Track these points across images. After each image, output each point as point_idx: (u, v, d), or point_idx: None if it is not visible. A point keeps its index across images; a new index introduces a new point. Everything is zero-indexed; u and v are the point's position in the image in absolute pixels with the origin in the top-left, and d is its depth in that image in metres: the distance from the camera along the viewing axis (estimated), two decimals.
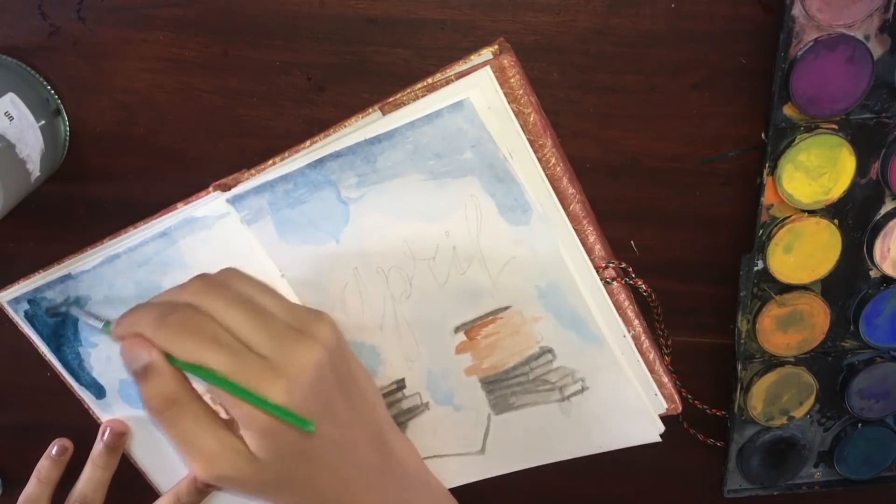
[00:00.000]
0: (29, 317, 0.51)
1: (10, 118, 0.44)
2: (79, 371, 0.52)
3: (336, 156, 0.43)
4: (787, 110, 0.45)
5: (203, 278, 0.39)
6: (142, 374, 0.36)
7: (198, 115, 0.48)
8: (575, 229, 0.45)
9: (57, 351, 0.52)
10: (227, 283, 0.39)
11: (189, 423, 0.36)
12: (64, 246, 0.50)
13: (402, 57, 0.46)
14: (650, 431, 0.50)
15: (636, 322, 0.48)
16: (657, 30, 0.45)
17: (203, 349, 0.35)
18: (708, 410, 0.54)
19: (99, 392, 0.53)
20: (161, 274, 0.48)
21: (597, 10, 0.45)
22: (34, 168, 0.46)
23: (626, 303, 0.48)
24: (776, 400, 0.53)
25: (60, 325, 0.51)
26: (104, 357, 0.51)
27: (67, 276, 0.49)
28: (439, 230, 0.45)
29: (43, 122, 0.46)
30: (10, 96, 0.44)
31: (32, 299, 0.51)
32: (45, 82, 0.48)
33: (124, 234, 0.49)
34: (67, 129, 0.49)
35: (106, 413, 0.54)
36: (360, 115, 0.44)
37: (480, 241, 0.45)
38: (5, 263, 0.54)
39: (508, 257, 0.45)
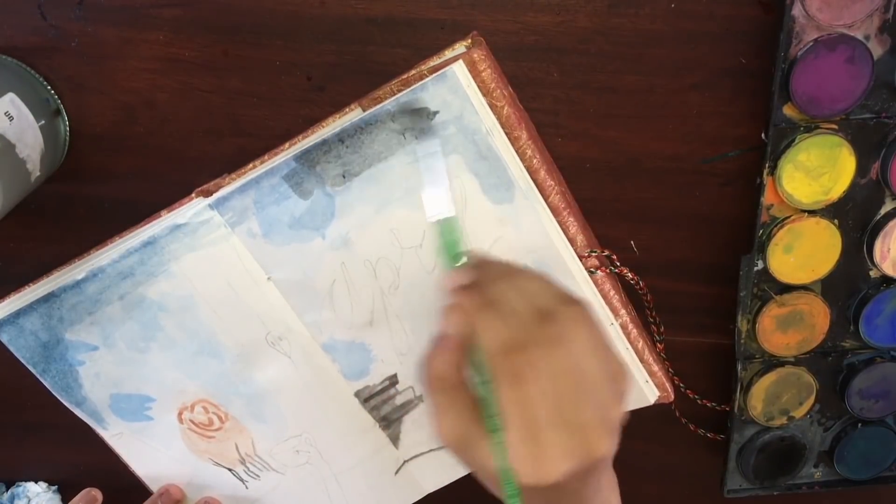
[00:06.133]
0: (12, 342, 0.49)
1: (10, 118, 0.44)
2: (68, 390, 0.51)
3: (322, 143, 0.43)
4: (787, 110, 0.45)
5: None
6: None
7: (198, 115, 0.48)
8: (556, 220, 0.45)
9: (43, 374, 0.50)
10: None
11: None
12: (64, 246, 0.50)
13: (402, 57, 0.46)
14: (643, 395, 0.51)
15: (623, 311, 0.48)
16: (657, 30, 0.45)
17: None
18: (699, 400, 0.54)
19: (91, 410, 0.52)
20: (146, 285, 0.47)
21: (597, 10, 0.45)
22: (34, 168, 0.46)
23: (612, 292, 0.48)
24: (776, 400, 0.53)
25: (45, 347, 0.49)
26: (93, 374, 0.50)
27: (51, 295, 0.47)
28: (425, 216, 0.45)
29: (43, 122, 0.46)
30: (10, 96, 0.44)
31: (14, 323, 0.48)
32: (45, 82, 0.48)
33: (109, 244, 0.48)
34: (67, 129, 0.49)
35: (100, 426, 0.52)
36: (338, 115, 0.45)
37: (466, 223, 0.45)
38: (5, 263, 0.54)
39: (495, 237, 0.45)
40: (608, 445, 0.33)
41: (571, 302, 0.35)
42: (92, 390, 0.51)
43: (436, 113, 0.42)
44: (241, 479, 0.54)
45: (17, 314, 0.48)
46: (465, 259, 0.39)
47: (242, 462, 0.53)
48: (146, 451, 0.53)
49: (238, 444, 0.53)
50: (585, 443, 0.33)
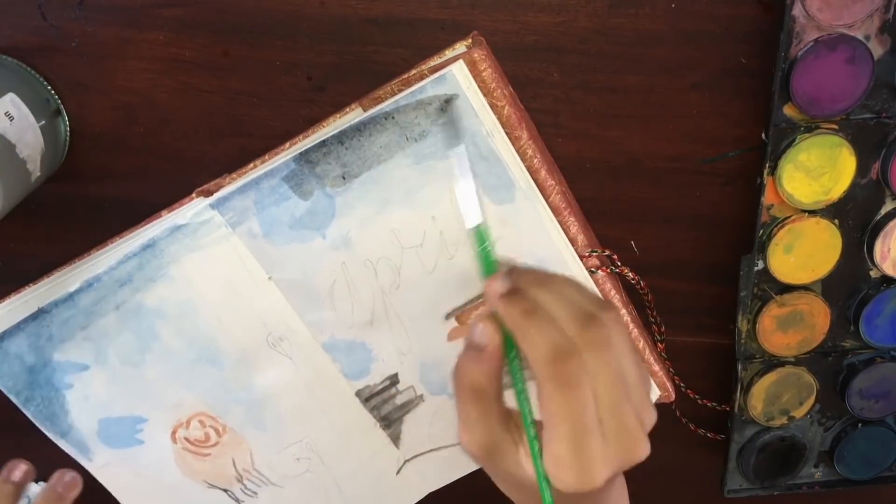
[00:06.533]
0: None
1: (11, 118, 0.44)
2: (53, 419, 0.48)
3: (322, 145, 0.43)
4: (788, 110, 0.45)
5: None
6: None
7: (198, 115, 0.48)
8: (557, 220, 0.45)
9: (26, 403, 0.47)
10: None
11: None
12: (64, 246, 0.50)
13: (402, 57, 0.46)
14: None
15: (623, 311, 0.48)
16: (657, 30, 0.45)
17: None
18: (699, 400, 0.54)
19: (77, 440, 0.49)
20: (144, 291, 0.46)
21: (597, 10, 0.45)
22: (34, 168, 0.46)
23: (613, 292, 0.48)
24: (776, 400, 0.53)
25: (30, 372, 0.46)
26: (81, 397, 0.48)
27: (40, 312, 0.45)
28: (426, 216, 0.45)
29: (43, 122, 0.46)
30: (11, 96, 0.44)
31: None
32: (45, 82, 0.48)
33: (109, 245, 0.46)
34: (67, 129, 0.49)
35: (85, 458, 0.50)
36: (339, 115, 0.45)
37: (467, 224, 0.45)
38: (5, 263, 0.54)
39: (495, 237, 0.45)
40: (646, 449, 0.33)
41: (609, 306, 0.35)
42: (79, 417, 0.48)
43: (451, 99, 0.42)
44: (238, 500, 0.53)
45: (2, 337, 0.45)
46: (498, 265, 0.38)
47: (239, 479, 0.52)
48: (135, 482, 0.51)
49: (235, 459, 0.52)
50: (627, 448, 0.32)
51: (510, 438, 0.34)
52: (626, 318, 0.48)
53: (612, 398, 0.32)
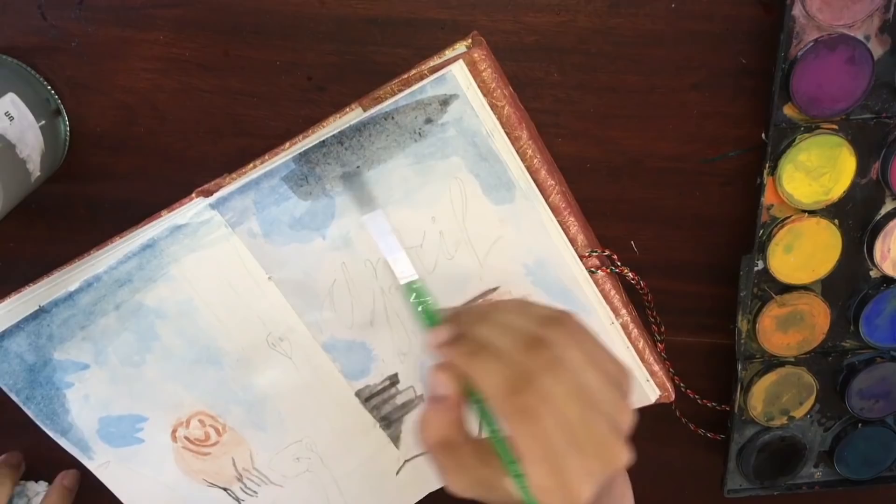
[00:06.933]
0: None
1: (11, 118, 0.44)
2: (54, 418, 0.48)
3: (321, 145, 0.43)
4: (788, 110, 0.45)
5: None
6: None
7: (198, 115, 0.48)
8: (556, 220, 0.45)
9: (27, 402, 0.47)
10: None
11: None
12: (64, 246, 0.50)
13: (402, 57, 0.46)
14: (644, 394, 0.51)
15: (623, 311, 0.48)
16: (657, 30, 0.45)
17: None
18: (699, 400, 0.54)
19: (78, 438, 0.49)
20: (144, 291, 0.46)
21: (597, 10, 0.45)
22: (34, 168, 0.46)
23: (613, 292, 0.48)
24: (776, 400, 0.53)
25: (30, 371, 0.46)
26: (81, 396, 0.48)
27: (40, 311, 0.45)
28: (425, 216, 0.45)
29: (43, 122, 0.46)
30: (11, 96, 0.44)
31: None
32: (45, 82, 0.48)
33: (109, 245, 0.46)
34: (67, 129, 0.49)
35: (85, 456, 0.50)
36: (339, 115, 0.45)
37: (467, 224, 0.45)
38: (5, 263, 0.54)
39: (495, 238, 0.45)
40: (626, 453, 0.33)
41: (554, 320, 0.35)
42: (79, 415, 0.48)
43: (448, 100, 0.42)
44: (238, 499, 0.53)
45: (2, 336, 0.45)
46: (440, 316, 0.40)
47: (239, 479, 0.52)
48: (135, 480, 0.51)
49: (235, 459, 0.52)
50: (606, 458, 0.32)
51: (493, 471, 0.34)
52: (626, 318, 0.48)
53: (578, 413, 0.32)
